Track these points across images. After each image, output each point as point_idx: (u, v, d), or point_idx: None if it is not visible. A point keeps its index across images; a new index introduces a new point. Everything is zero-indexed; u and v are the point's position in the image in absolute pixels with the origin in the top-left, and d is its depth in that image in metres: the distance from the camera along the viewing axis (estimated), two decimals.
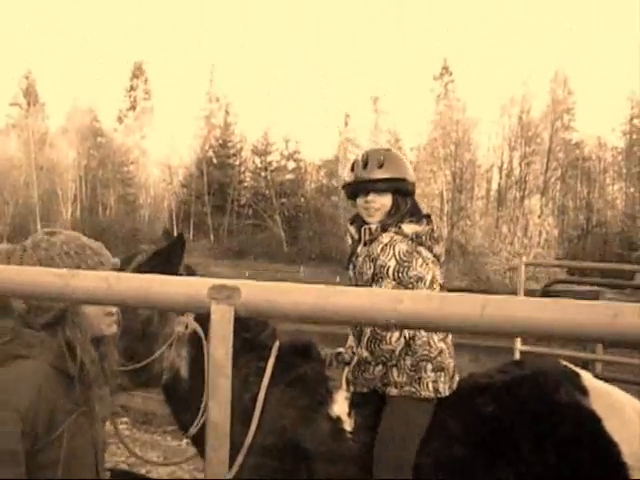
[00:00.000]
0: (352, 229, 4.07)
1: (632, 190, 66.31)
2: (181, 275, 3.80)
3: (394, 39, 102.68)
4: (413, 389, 3.72)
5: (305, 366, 3.93)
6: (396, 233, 3.81)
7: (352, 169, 3.97)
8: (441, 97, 73.88)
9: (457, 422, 3.72)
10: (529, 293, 10.26)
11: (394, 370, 3.74)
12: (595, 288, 10.11)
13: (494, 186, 69.89)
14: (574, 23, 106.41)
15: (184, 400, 3.82)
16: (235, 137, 79.69)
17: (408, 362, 3.74)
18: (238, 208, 76.28)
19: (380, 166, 3.89)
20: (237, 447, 3.69)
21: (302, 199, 75.40)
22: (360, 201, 3.92)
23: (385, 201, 3.88)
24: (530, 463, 3.59)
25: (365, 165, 3.91)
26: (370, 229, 3.88)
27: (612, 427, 3.61)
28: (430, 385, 3.74)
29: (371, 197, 3.88)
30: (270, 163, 77.27)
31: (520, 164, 67.30)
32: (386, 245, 3.77)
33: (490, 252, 52.62)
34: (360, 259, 3.89)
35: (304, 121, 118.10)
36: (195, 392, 3.74)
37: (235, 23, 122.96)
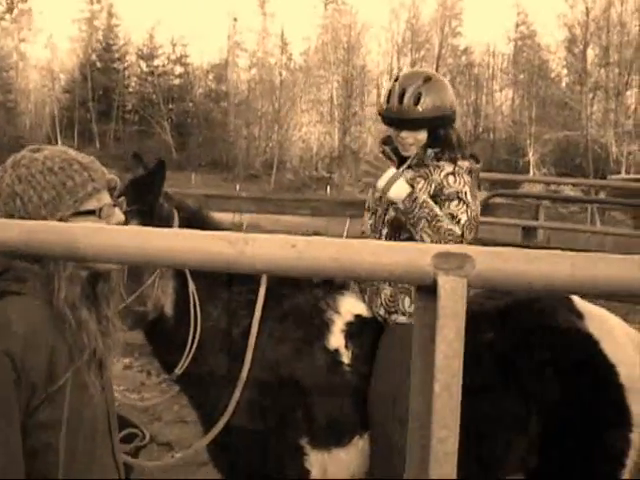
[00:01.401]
0: (388, 150, 3.84)
1: (519, 96, 67.45)
2: (162, 205, 3.55)
3: None
4: None
5: (297, 297, 3.74)
6: (454, 165, 3.64)
7: (388, 99, 3.72)
8: (330, 1, 72.97)
9: None
10: None
11: (406, 299, 3.62)
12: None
13: (384, 92, 69.83)
14: None
15: (169, 339, 3.59)
16: (119, 40, 76.67)
17: None
18: (124, 114, 73.97)
19: (416, 102, 3.64)
20: (226, 384, 3.54)
21: (191, 104, 73.74)
22: (393, 134, 3.75)
23: (420, 136, 3.71)
24: (533, 392, 3.56)
25: (401, 99, 3.65)
26: (425, 155, 3.69)
27: (609, 350, 3.60)
28: None
29: (404, 134, 3.69)
30: (157, 67, 74.90)
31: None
32: (452, 173, 3.59)
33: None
34: (403, 178, 3.61)
35: (191, 24, 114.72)
36: (180, 330, 3.55)
37: None
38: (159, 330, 3.61)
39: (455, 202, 3.53)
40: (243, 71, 73.62)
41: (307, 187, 55.21)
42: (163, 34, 77.69)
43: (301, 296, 3.74)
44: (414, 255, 1.26)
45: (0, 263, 2.08)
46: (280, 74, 67.33)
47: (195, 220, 3.62)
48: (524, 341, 3.64)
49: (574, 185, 21.38)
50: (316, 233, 21.83)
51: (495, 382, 3.57)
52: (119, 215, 2.29)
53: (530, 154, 55.01)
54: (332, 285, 3.80)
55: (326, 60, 66.03)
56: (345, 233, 21.63)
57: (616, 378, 3.56)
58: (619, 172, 45.46)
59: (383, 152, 3.85)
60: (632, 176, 34.92)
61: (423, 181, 3.65)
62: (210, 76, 75.82)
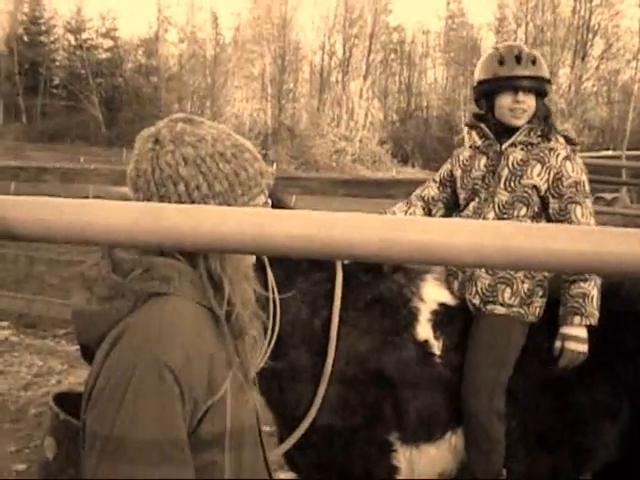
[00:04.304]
0: (484, 127, 3.68)
1: (452, 74, 67.78)
2: None
3: None
4: (522, 311, 3.51)
5: (379, 284, 3.50)
6: (566, 144, 3.55)
7: (500, 62, 3.56)
8: None
9: (548, 342, 3.47)
10: None
11: (507, 290, 3.51)
12: None
13: (317, 68, 69.66)
14: None
15: None
16: (46, 13, 75.02)
17: (525, 286, 3.51)
18: (52, 89, 72.52)
19: (534, 62, 3.54)
20: (310, 380, 3.31)
21: (120, 79, 72.52)
22: (506, 101, 3.56)
23: (532, 103, 3.58)
24: (625, 379, 3.45)
25: (519, 60, 3.52)
26: (531, 130, 3.57)
27: None
28: (537, 310, 3.54)
29: (521, 97, 3.52)
30: (85, 41, 73.45)
31: (343, 46, 67.26)
32: (567, 158, 3.48)
33: (317, 135, 53.02)
34: (512, 158, 3.57)
35: None
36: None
37: None
38: None
39: (579, 210, 3.47)
40: (173, 46, 72.63)
41: None
42: (91, 7, 76.03)
43: (382, 284, 3.52)
44: None
45: (140, 262, 1.75)
46: (214, 49, 66.54)
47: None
48: (614, 327, 3.50)
49: None
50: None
51: (588, 370, 3.45)
52: None
53: (465, 131, 55.35)
54: (412, 270, 3.62)
55: (260, 35, 65.39)
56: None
57: None
58: None
59: (476, 130, 3.73)
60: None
61: (540, 166, 3.51)
62: (140, 51, 74.62)
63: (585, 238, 1.05)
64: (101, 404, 1.60)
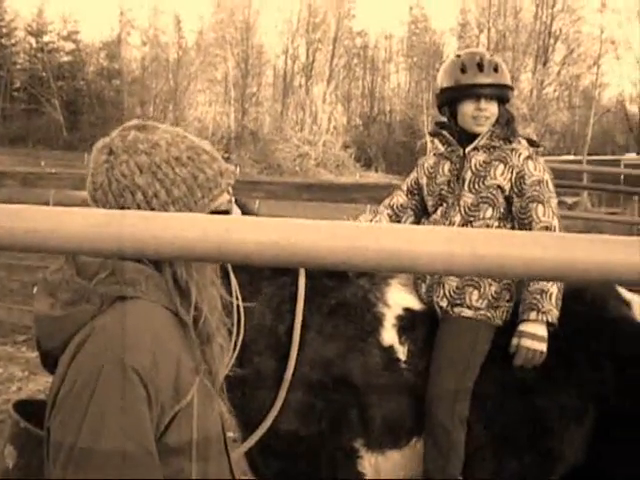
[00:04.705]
0: (446, 134, 3.71)
1: (415, 78, 68.06)
2: None
3: None
4: (489, 314, 3.53)
5: (343, 289, 3.50)
6: (528, 145, 3.61)
7: (462, 70, 3.60)
8: None
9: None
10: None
11: (475, 293, 3.54)
12: None
13: (280, 73, 69.60)
14: None
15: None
16: (7, 15, 74.03)
17: (493, 288, 3.55)
18: (12, 92, 71.62)
19: (496, 69, 3.59)
20: (276, 386, 3.29)
21: (82, 82, 71.79)
22: (468, 108, 3.60)
23: (494, 110, 3.62)
24: (589, 384, 3.47)
25: (480, 67, 3.56)
26: (493, 134, 3.61)
27: None
28: (504, 314, 3.56)
29: (484, 104, 3.57)
30: (47, 44, 72.56)
31: (307, 51, 67.28)
32: (529, 157, 3.52)
33: (280, 139, 53.00)
34: (475, 161, 3.63)
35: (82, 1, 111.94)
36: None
37: None
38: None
39: (541, 208, 3.47)
40: (136, 49, 72.19)
41: None
42: (53, 10, 75.62)
43: (347, 288, 3.53)
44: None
45: (105, 265, 1.72)
46: (178, 53, 66.29)
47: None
48: (579, 331, 3.53)
49: None
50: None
51: (553, 374, 3.50)
52: (238, 213, 2.05)
53: (428, 139, 55.79)
54: (376, 275, 3.63)
55: (223, 39, 65.24)
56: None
57: None
58: None
59: (439, 137, 3.78)
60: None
61: (502, 166, 3.56)
62: (102, 54, 73.96)
63: (553, 245, 1.04)
64: (66, 409, 1.57)
